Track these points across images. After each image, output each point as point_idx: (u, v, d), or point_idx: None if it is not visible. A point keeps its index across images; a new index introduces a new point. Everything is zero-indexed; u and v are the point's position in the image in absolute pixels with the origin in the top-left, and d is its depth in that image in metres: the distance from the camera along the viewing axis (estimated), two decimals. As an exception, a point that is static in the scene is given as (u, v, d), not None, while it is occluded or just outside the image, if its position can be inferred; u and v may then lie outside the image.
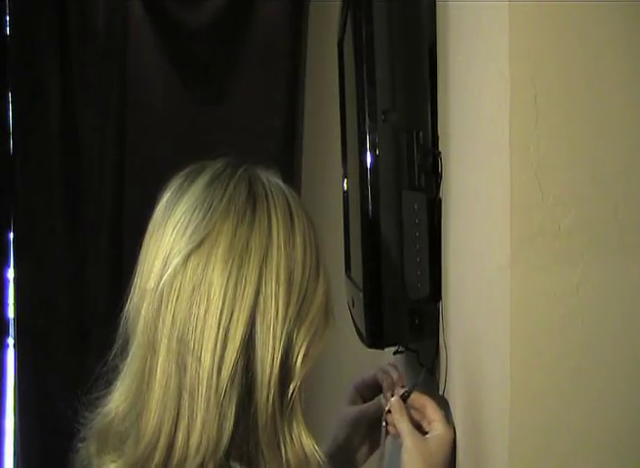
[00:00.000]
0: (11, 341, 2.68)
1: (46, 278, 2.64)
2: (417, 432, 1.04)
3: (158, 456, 0.78)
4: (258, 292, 0.81)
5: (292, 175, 2.66)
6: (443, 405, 1.19)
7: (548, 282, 0.92)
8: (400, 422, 1.05)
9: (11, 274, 2.66)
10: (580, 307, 0.92)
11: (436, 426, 1.04)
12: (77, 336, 2.62)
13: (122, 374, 0.85)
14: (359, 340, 1.44)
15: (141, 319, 0.82)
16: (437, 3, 1.29)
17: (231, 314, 0.79)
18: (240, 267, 0.80)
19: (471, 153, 1.11)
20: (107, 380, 0.88)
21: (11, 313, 2.67)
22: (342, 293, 1.69)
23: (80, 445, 0.88)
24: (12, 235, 2.65)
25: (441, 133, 1.27)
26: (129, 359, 0.84)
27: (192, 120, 2.64)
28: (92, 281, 2.64)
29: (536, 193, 0.91)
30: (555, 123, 0.92)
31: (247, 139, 2.60)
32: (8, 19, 2.57)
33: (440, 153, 1.26)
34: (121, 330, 0.87)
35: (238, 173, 0.87)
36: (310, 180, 2.65)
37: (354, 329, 1.49)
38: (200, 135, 2.60)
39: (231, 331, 0.79)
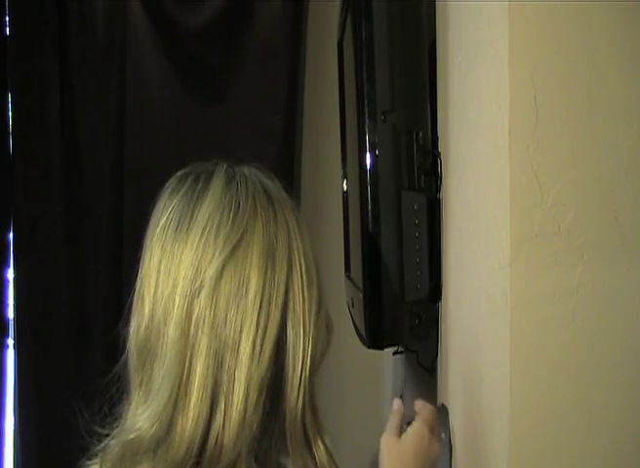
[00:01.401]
0: (10, 342, 2.67)
1: (46, 278, 2.63)
2: (392, 431, 1.08)
3: (194, 458, 0.78)
4: (287, 290, 0.82)
5: (291, 175, 2.66)
6: (443, 412, 1.19)
7: (548, 282, 0.92)
8: (390, 421, 1.10)
9: (10, 274, 2.66)
10: (579, 307, 0.92)
11: (413, 424, 1.08)
12: (77, 337, 2.61)
13: (153, 388, 0.81)
14: (359, 341, 1.44)
15: (172, 328, 0.79)
16: (437, 4, 1.29)
17: (268, 312, 0.80)
18: (273, 266, 0.82)
19: (471, 154, 1.11)
20: (115, 393, 0.85)
21: (10, 313, 2.67)
22: (342, 294, 1.70)
23: (89, 462, 0.85)
24: (11, 235, 2.65)
25: (441, 133, 1.27)
26: (162, 371, 0.80)
27: (192, 120, 2.63)
28: (91, 281, 2.63)
29: (535, 193, 0.91)
30: (555, 123, 0.92)
31: (246, 140, 2.60)
32: (7, 19, 2.56)
33: (440, 154, 1.26)
34: (131, 343, 0.84)
35: (248, 173, 0.87)
36: (310, 181, 2.65)
37: (354, 329, 1.49)
38: (200, 135, 2.60)
39: (268, 329, 0.80)
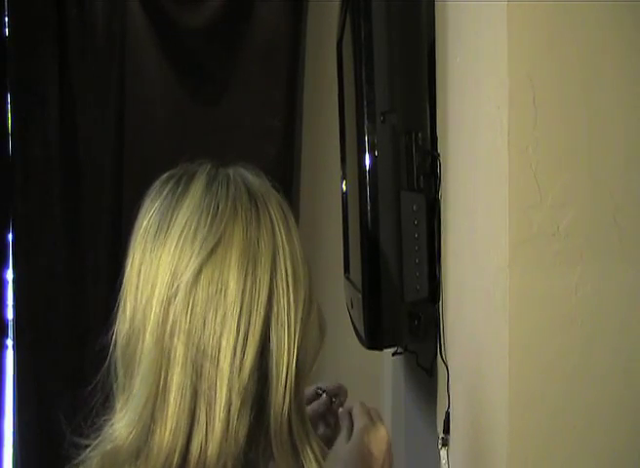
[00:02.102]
0: (10, 342, 2.68)
1: (45, 279, 2.64)
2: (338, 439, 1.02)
3: None
4: (271, 294, 0.79)
5: (290, 176, 2.66)
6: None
7: (547, 283, 0.92)
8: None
9: (10, 275, 2.66)
10: (578, 308, 0.92)
11: (355, 423, 1.02)
12: (75, 338, 2.61)
13: (131, 396, 0.80)
14: (358, 341, 1.44)
15: (149, 334, 0.78)
16: (436, 4, 1.29)
17: (249, 318, 0.78)
18: (254, 270, 0.79)
19: (470, 154, 1.11)
20: (102, 399, 0.84)
21: (10, 314, 2.67)
22: (341, 295, 1.69)
23: None
24: (11, 236, 2.65)
25: (440, 134, 1.27)
26: (138, 378, 0.79)
27: (191, 120, 2.63)
28: (90, 282, 2.64)
29: (534, 194, 0.91)
30: (554, 124, 0.92)
31: (245, 140, 2.60)
32: (7, 20, 2.57)
33: (439, 154, 1.26)
34: (115, 347, 0.83)
35: (231, 173, 0.85)
36: (309, 181, 2.65)
37: (353, 330, 1.49)
38: (199, 135, 2.60)
39: (250, 336, 0.78)
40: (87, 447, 0.82)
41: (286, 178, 2.62)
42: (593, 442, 0.94)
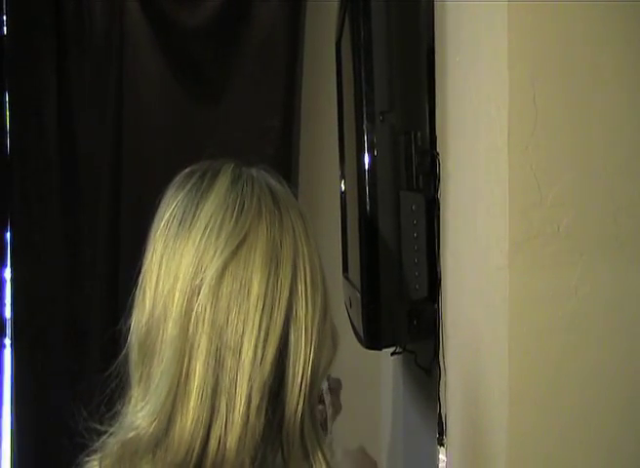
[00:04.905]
0: (8, 341, 2.67)
1: (43, 278, 2.64)
2: None
3: (195, 460, 0.77)
4: (291, 295, 0.80)
5: (289, 175, 2.66)
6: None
7: (547, 283, 0.92)
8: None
9: (8, 274, 2.66)
10: (578, 308, 0.92)
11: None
12: (74, 336, 2.61)
13: (151, 385, 0.80)
14: (356, 341, 1.44)
15: (172, 323, 0.79)
16: (435, 3, 1.28)
17: (270, 316, 0.79)
18: (276, 270, 0.80)
19: (469, 154, 1.11)
20: (114, 388, 0.84)
21: (8, 313, 2.67)
22: (340, 294, 1.69)
23: (88, 458, 0.84)
24: (9, 235, 2.65)
25: (439, 133, 1.27)
26: (160, 368, 0.79)
27: (189, 120, 2.63)
28: (89, 281, 2.63)
29: (534, 194, 0.91)
30: (554, 123, 0.92)
31: (244, 140, 2.60)
32: (5, 19, 2.56)
33: (438, 154, 1.26)
34: (132, 337, 0.83)
35: (255, 174, 0.86)
36: (307, 181, 2.65)
37: (352, 329, 1.48)
38: (197, 135, 2.60)
39: (270, 333, 0.79)
40: (101, 434, 0.82)
41: (285, 178, 2.61)
42: (592, 441, 0.94)
